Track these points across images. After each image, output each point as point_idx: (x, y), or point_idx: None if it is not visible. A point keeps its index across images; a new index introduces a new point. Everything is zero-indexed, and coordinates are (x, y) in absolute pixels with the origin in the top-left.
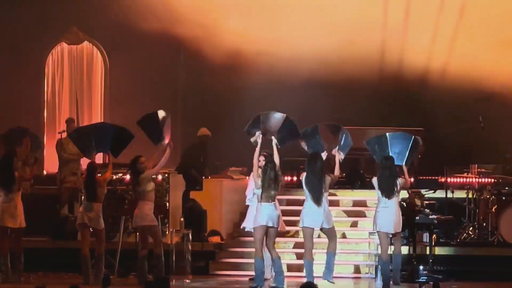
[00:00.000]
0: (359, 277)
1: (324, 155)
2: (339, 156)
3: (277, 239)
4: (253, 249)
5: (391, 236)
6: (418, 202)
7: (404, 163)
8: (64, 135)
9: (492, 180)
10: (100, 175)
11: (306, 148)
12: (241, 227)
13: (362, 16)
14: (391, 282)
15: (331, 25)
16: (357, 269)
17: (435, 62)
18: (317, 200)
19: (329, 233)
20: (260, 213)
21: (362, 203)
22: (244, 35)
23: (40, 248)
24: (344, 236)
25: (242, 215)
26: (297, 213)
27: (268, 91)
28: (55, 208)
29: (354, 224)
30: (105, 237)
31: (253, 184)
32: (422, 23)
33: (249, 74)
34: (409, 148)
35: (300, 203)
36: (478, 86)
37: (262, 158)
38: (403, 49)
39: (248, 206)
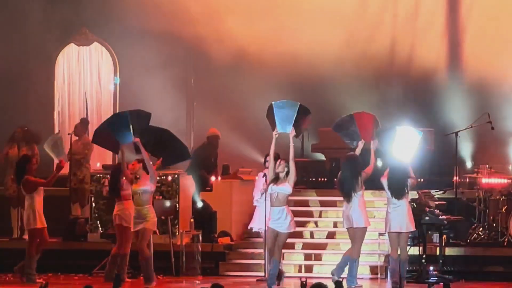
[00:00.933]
0: (369, 278)
1: (361, 143)
2: (375, 144)
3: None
4: (262, 250)
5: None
6: (428, 202)
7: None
8: (74, 137)
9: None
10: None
11: (343, 138)
12: (249, 227)
13: (370, 15)
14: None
15: (339, 24)
16: (367, 270)
17: (445, 61)
18: (347, 198)
19: (352, 235)
20: (292, 217)
21: (371, 204)
22: (250, 35)
23: (51, 249)
24: None
25: (252, 216)
26: (303, 214)
27: (274, 91)
28: (65, 209)
29: None
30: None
31: (261, 185)
32: (431, 22)
33: (256, 74)
34: (414, 146)
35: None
36: (488, 86)
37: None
38: (412, 48)
39: (255, 206)
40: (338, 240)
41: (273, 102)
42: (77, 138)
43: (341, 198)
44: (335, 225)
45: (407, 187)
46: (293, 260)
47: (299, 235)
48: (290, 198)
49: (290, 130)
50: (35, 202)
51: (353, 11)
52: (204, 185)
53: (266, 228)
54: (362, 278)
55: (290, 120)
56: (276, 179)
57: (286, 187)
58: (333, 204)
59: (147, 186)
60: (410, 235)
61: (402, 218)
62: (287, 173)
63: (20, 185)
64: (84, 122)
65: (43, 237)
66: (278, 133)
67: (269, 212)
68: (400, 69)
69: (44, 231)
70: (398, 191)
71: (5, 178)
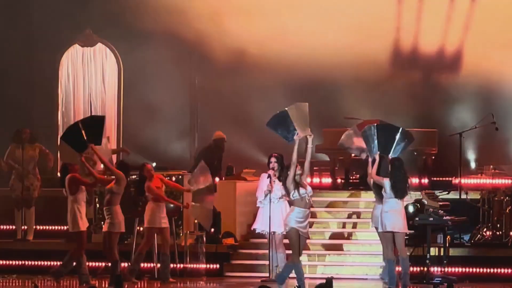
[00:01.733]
0: (373, 279)
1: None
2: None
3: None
4: (266, 251)
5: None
6: (432, 203)
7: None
8: None
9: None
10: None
11: (353, 152)
12: (252, 228)
13: (373, 14)
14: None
15: (342, 24)
16: (370, 271)
17: (448, 62)
18: (378, 200)
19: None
20: None
21: None
22: (254, 35)
23: (55, 250)
24: (356, 237)
25: (256, 217)
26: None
27: (278, 92)
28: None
29: (366, 226)
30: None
31: (264, 186)
32: (435, 22)
33: (260, 75)
34: (396, 140)
35: None
36: (492, 86)
37: (273, 159)
38: (415, 48)
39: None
40: (342, 241)
41: (286, 108)
42: None
43: (347, 199)
44: (338, 226)
45: (409, 187)
46: None
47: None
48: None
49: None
50: (80, 204)
51: (355, 10)
52: None
53: (289, 229)
54: (366, 279)
55: (306, 122)
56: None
57: (310, 189)
58: (337, 205)
59: (112, 186)
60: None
61: (398, 217)
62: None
63: (66, 185)
64: None
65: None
66: (300, 137)
67: (289, 213)
68: (403, 69)
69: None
70: (402, 190)
71: (10, 179)
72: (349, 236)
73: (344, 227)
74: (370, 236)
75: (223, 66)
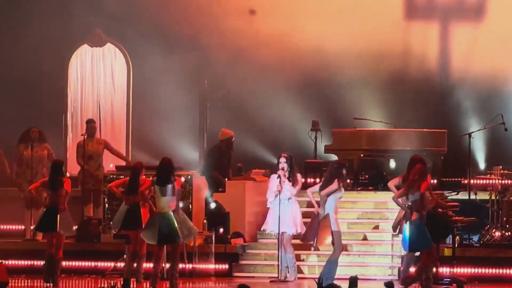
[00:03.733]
0: (382, 279)
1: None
2: None
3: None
4: (276, 251)
5: None
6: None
7: None
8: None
9: None
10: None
11: None
12: (262, 229)
13: (383, 13)
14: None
15: (352, 23)
16: (379, 271)
17: (458, 62)
18: None
19: None
20: None
21: (384, 205)
22: (262, 35)
23: (65, 250)
24: (365, 238)
25: (265, 217)
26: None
27: (288, 92)
28: (77, 210)
29: (375, 226)
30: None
31: (274, 187)
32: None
33: (269, 75)
34: None
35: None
36: (502, 86)
37: (283, 160)
38: (426, 48)
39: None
40: (349, 242)
41: None
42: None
43: (354, 199)
44: (348, 226)
45: None
46: (306, 261)
47: None
48: (302, 199)
49: None
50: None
51: (365, 9)
52: (217, 186)
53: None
54: (375, 280)
55: None
56: None
57: None
58: (346, 205)
59: None
60: None
61: None
62: None
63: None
64: (90, 122)
65: None
66: None
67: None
68: (413, 69)
69: None
70: None
71: (20, 179)
72: (358, 237)
73: (351, 227)
74: (380, 237)
75: (232, 67)
